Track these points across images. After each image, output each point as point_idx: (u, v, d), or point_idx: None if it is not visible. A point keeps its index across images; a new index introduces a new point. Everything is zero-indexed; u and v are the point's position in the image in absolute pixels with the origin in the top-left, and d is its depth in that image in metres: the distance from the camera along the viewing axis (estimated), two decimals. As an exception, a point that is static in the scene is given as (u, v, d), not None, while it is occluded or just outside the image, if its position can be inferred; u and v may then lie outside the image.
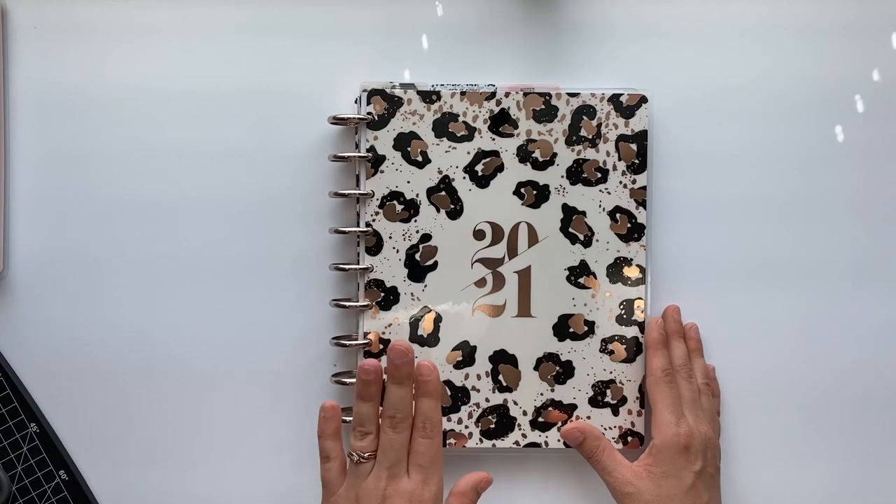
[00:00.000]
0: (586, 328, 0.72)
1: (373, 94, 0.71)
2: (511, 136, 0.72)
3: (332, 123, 0.71)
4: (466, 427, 0.71)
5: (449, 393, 0.71)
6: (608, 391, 0.72)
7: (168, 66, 0.73)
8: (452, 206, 0.71)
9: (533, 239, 0.72)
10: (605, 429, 0.71)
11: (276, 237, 0.73)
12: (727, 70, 0.74)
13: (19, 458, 0.71)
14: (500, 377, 0.71)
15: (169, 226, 0.72)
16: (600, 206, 0.72)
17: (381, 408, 0.67)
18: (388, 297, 0.71)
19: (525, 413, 0.71)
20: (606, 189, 0.72)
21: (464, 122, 0.71)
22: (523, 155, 0.72)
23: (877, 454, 0.74)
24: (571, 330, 0.71)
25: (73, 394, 0.72)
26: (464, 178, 0.71)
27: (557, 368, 0.71)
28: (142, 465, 0.72)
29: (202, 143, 0.73)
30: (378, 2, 0.73)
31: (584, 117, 0.72)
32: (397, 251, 0.71)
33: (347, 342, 0.71)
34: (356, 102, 0.72)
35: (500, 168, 0.72)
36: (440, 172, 0.71)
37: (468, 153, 0.71)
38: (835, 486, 0.74)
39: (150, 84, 0.72)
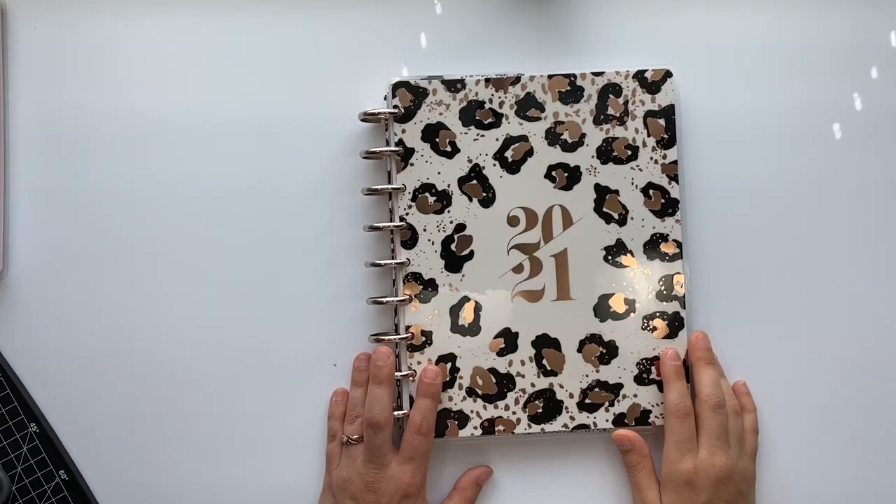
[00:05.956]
0: (627, 307, 0.71)
1: (398, 86, 0.71)
2: (538, 119, 0.71)
3: (361, 120, 0.71)
4: (514, 413, 0.71)
5: (494, 380, 0.71)
6: (653, 368, 0.71)
7: (181, 71, 0.73)
8: (485, 195, 0.71)
9: (567, 221, 0.71)
10: (653, 406, 0.71)
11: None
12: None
13: (19, 458, 0.71)
14: (544, 361, 0.71)
15: (169, 226, 0.72)
16: (633, 183, 0.71)
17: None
18: (426, 290, 0.71)
19: (571, 396, 0.71)
20: (637, 166, 0.72)
21: (490, 108, 0.71)
22: (552, 138, 0.71)
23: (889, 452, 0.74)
24: (612, 309, 0.71)
25: (73, 394, 0.72)
26: (494, 165, 0.71)
27: (601, 349, 0.71)
28: (142, 464, 0.72)
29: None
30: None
31: (611, 96, 0.71)
32: (433, 243, 0.71)
33: (386, 338, 0.71)
34: (385, 98, 0.72)
35: (530, 153, 0.71)
36: (470, 161, 0.71)
37: (497, 140, 0.71)
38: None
39: (158, 82, 0.73)
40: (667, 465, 0.69)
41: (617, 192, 0.71)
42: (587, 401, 0.71)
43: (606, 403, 0.71)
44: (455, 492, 0.72)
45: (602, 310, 0.71)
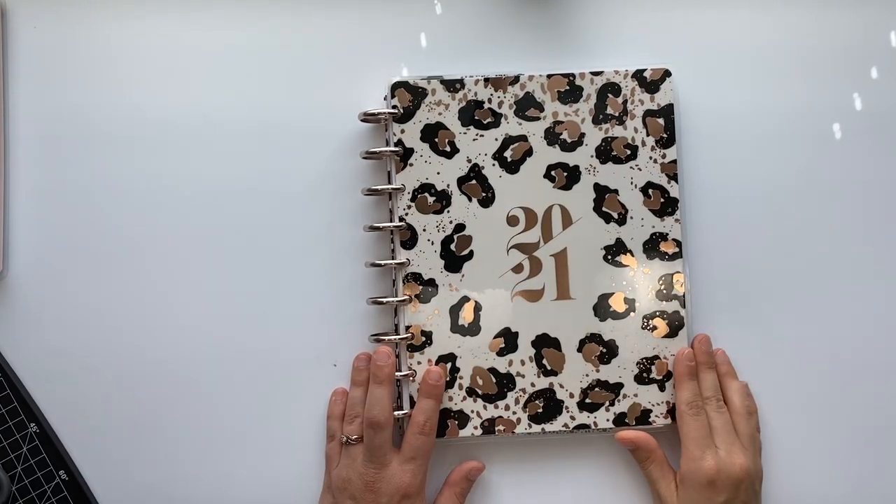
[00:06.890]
0: (627, 306, 0.71)
1: (397, 86, 0.71)
2: (538, 119, 0.71)
3: (361, 121, 0.71)
4: (514, 413, 0.71)
5: (494, 380, 0.71)
6: (653, 367, 0.71)
7: (180, 68, 0.73)
8: (484, 194, 0.71)
9: (567, 221, 0.71)
10: (654, 405, 0.71)
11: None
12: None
13: (19, 458, 0.71)
14: (544, 361, 0.71)
15: (169, 226, 0.72)
16: (632, 182, 0.71)
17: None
18: (426, 290, 0.71)
19: (572, 395, 0.71)
20: (637, 165, 0.72)
21: (489, 108, 0.71)
22: (551, 137, 0.71)
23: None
24: (612, 309, 0.71)
25: (73, 394, 0.72)
26: (493, 164, 0.71)
27: (601, 349, 0.71)
28: (142, 464, 0.72)
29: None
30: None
31: (610, 95, 0.71)
32: (432, 243, 0.71)
33: (386, 338, 0.71)
34: (385, 99, 0.72)
35: (529, 152, 0.71)
36: (469, 161, 0.71)
37: (496, 140, 0.71)
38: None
39: (158, 82, 0.73)
40: (687, 462, 0.69)
41: (616, 191, 0.71)
42: (587, 400, 0.71)
43: (607, 403, 0.71)
44: (446, 487, 0.72)
45: (602, 309, 0.71)
